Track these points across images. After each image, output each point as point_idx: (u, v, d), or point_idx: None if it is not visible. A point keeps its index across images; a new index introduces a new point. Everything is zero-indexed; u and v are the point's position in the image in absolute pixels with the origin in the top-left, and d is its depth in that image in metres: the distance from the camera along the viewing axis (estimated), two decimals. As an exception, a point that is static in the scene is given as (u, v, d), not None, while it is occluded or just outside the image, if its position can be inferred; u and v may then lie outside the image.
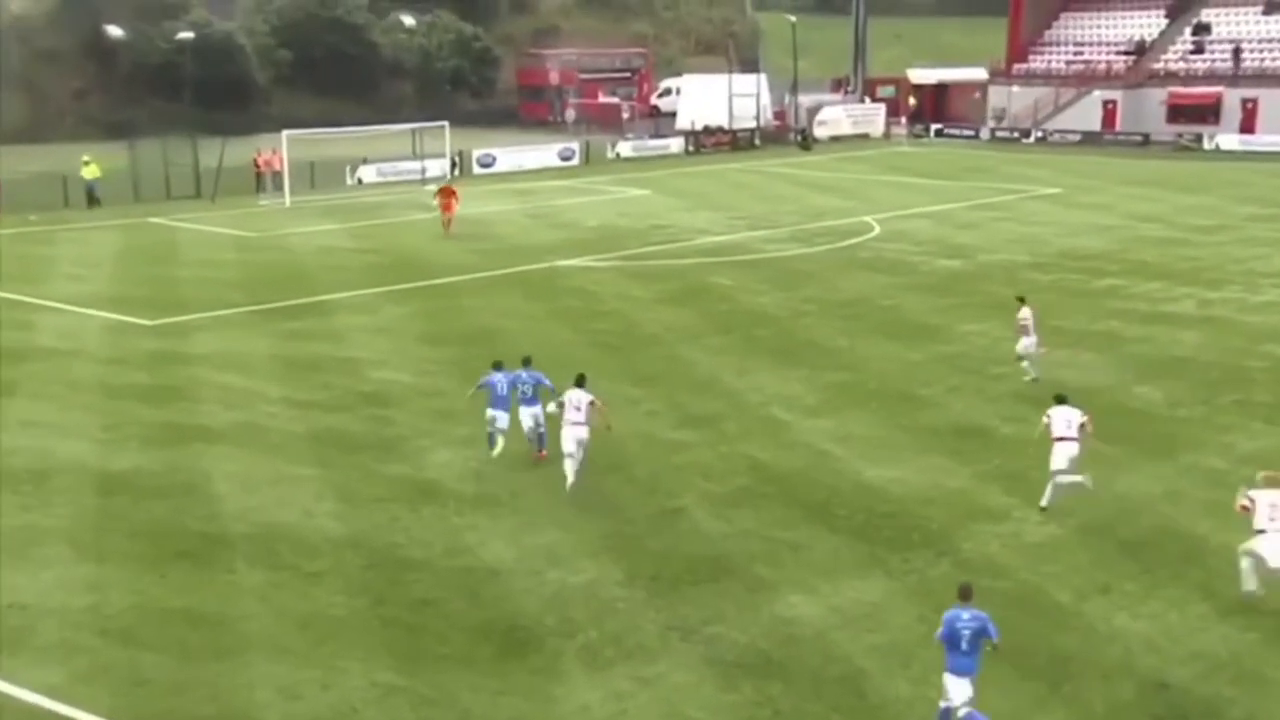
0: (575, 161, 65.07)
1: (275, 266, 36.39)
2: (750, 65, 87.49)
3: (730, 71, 76.90)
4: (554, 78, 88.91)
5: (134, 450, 20.48)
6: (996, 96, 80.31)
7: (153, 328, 28.73)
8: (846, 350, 26.35)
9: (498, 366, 19.51)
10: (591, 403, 18.33)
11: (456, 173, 59.00)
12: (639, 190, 54.52)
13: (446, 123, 55.99)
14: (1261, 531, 14.94)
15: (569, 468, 18.28)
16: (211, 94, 71.39)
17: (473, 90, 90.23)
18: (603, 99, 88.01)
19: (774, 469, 19.76)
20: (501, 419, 19.26)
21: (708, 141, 72.62)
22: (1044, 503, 17.99)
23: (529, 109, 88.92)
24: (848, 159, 66.96)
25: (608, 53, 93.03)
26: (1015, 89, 79.35)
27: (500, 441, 19.29)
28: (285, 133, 50.16)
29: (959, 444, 20.75)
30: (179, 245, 40.15)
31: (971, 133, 78.19)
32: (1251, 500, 15.14)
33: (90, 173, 48.07)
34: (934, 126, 79.81)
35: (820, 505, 18.33)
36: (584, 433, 18.29)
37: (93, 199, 47.74)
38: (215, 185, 50.31)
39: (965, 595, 12.67)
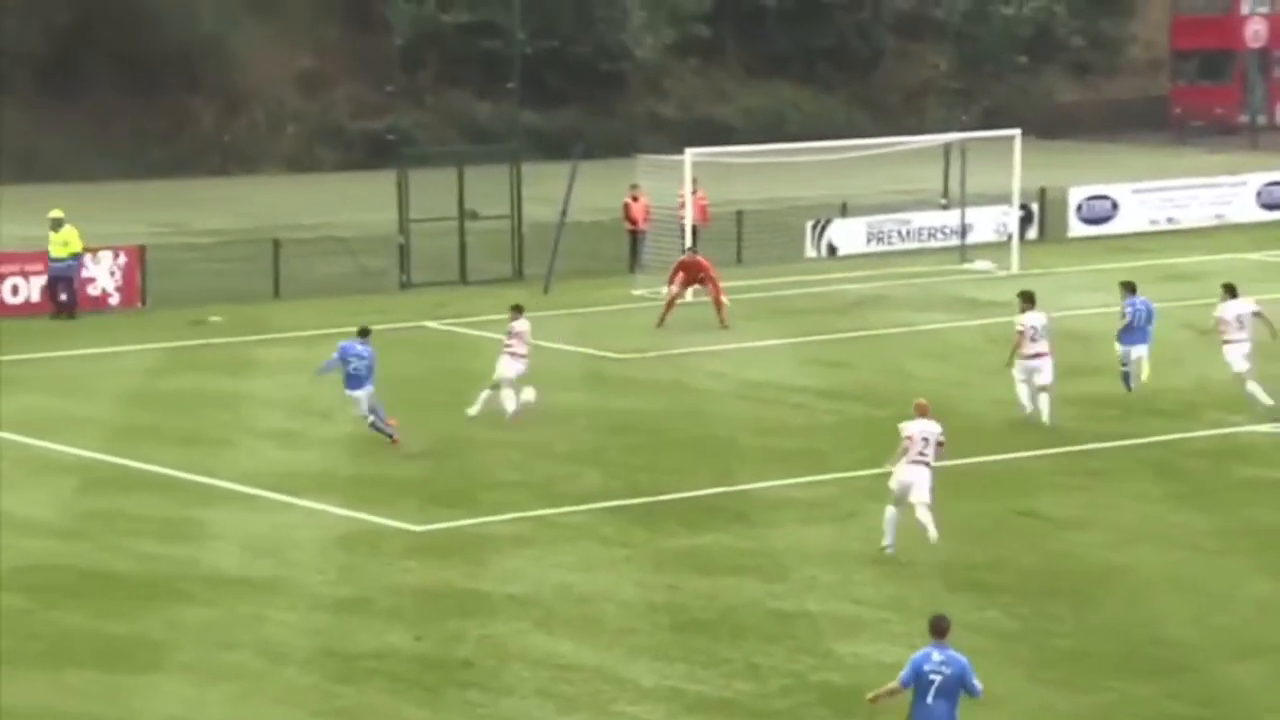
0: (1302, 209, 64.26)
1: (659, 421, 37.62)
2: None
3: None
4: (1254, 33, 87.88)
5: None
6: None
7: (423, 538, 30.19)
8: None
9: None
10: None
11: (1034, 233, 59.31)
12: None
13: (1018, 131, 56.20)
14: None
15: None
16: (552, 83, 75.65)
17: (1074, 65, 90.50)
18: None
19: None
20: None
21: None
22: None
23: (1194, 100, 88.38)
24: None
25: None
26: None
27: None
28: (690, 153, 52.08)
29: None
30: (479, 375, 42.06)
31: None
32: (908, 438, 28.34)
33: (62, 245, 48.79)
34: None
35: None
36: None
37: (61, 304, 48.71)
38: (552, 259, 52.96)
39: (940, 631, 19.09)
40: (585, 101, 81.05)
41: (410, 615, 26.46)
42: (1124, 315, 38.46)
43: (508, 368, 36.87)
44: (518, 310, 37.51)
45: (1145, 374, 38.11)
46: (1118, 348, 38.51)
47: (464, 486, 32.93)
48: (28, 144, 72.26)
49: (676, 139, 57.90)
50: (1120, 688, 23.66)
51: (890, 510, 28.16)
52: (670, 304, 46.78)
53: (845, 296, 50.56)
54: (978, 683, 19.11)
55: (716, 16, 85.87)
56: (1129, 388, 38.25)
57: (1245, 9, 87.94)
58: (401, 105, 68.27)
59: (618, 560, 28.85)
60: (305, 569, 28.55)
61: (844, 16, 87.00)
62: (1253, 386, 37.12)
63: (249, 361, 43.71)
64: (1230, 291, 38.22)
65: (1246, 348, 37.37)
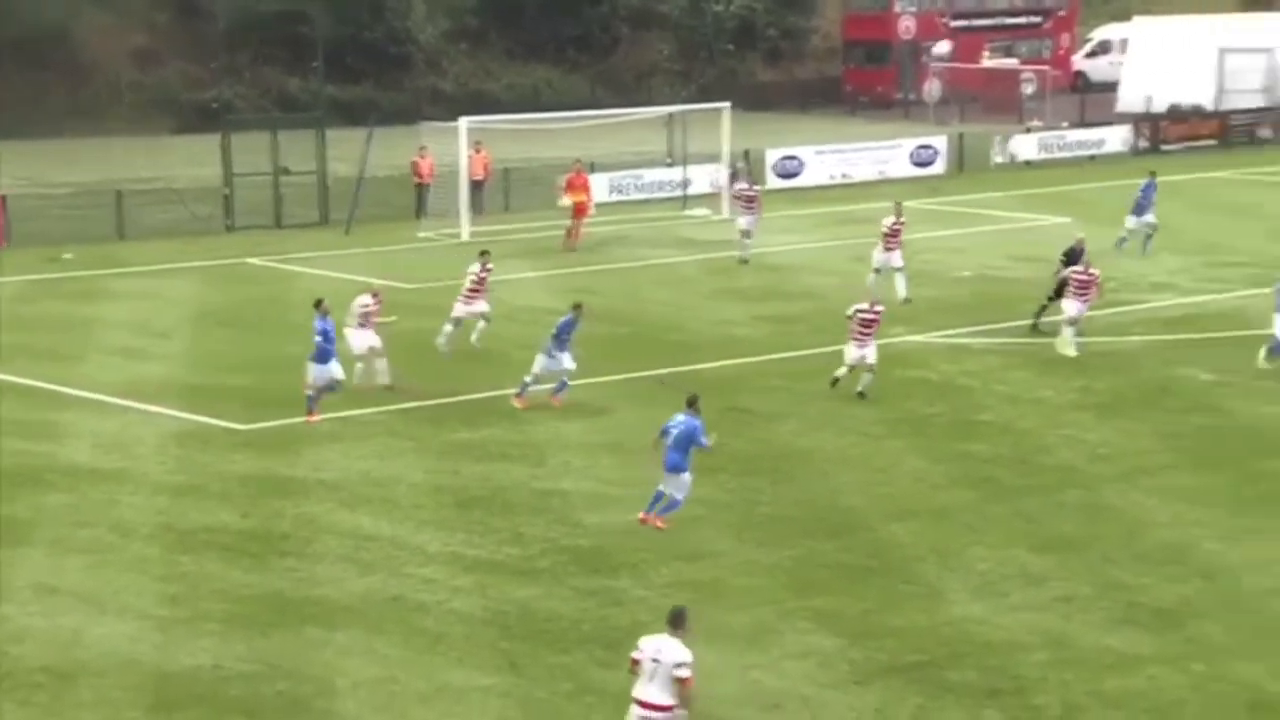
0: (939, 168, 65.61)
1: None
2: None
3: (1221, 11, 75.91)
4: (905, 28, 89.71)
5: (211, 638, 21.40)
6: None
7: (247, 435, 30.19)
8: None
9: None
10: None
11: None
12: (1050, 216, 54.25)
13: (727, 104, 56.99)
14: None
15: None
16: (350, 62, 75.30)
17: (770, 51, 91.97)
18: (988, 62, 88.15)
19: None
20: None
21: (1174, 133, 71.89)
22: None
23: (861, 81, 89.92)
24: None
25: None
26: None
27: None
28: (464, 121, 52.30)
29: None
30: (293, 303, 41.86)
31: None
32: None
33: None
34: None
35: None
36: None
37: None
38: (352, 206, 52.91)
39: (689, 404, 24.92)
40: (377, 78, 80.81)
41: (237, 497, 26.54)
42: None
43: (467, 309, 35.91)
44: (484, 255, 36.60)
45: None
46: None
47: (282, 393, 32.62)
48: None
49: (453, 109, 57.99)
50: (808, 544, 24.38)
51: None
52: (576, 223, 49.03)
53: (592, 237, 50.91)
54: (705, 440, 24.58)
55: (483, 9, 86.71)
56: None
57: (899, 7, 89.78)
58: (224, 79, 67.93)
59: (409, 451, 29.00)
60: (148, 461, 28.46)
61: (588, 10, 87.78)
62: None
63: (98, 291, 43.10)
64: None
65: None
